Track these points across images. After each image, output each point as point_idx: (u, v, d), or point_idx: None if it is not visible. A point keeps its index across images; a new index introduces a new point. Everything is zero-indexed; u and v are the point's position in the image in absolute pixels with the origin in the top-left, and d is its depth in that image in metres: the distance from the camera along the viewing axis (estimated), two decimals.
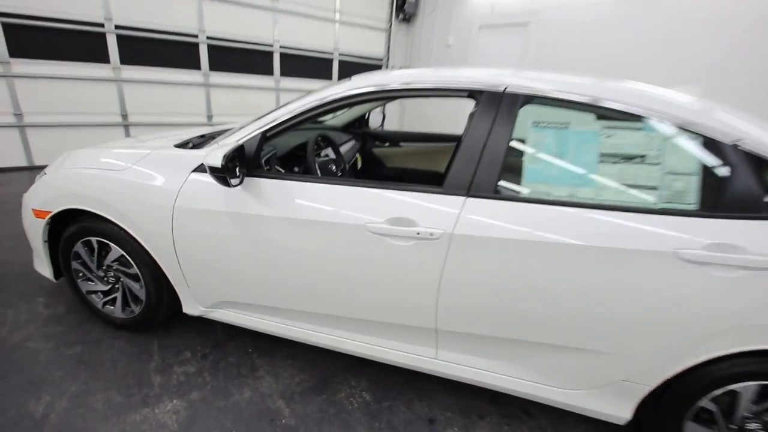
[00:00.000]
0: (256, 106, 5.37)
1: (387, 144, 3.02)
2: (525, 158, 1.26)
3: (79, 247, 1.78)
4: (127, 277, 1.77)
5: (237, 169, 1.35)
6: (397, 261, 1.32)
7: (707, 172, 1.15)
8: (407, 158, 2.98)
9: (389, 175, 2.97)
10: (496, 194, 1.25)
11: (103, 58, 4.40)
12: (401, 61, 6.96)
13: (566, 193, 1.22)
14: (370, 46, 6.56)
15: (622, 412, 1.29)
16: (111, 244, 1.71)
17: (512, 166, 1.26)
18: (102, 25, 4.29)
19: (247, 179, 1.44)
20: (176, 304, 1.75)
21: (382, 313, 1.43)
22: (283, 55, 5.63)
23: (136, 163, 1.59)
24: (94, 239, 1.73)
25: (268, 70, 5.60)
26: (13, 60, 3.92)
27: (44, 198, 1.77)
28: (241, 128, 1.56)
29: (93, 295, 1.89)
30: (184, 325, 1.94)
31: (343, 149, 2.49)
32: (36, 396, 1.50)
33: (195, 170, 1.51)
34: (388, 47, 6.74)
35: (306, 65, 5.90)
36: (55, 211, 1.72)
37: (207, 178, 1.44)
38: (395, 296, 1.38)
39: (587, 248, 1.15)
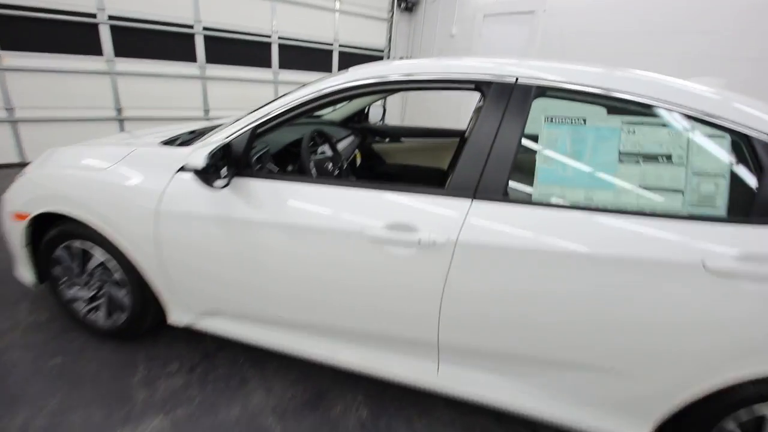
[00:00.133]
0: (255, 99, 5.23)
1: (387, 139, 2.89)
2: (537, 157, 1.14)
3: (60, 251, 1.67)
4: (110, 284, 1.67)
5: (223, 170, 1.24)
6: (397, 270, 1.20)
7: (739, 173, 1.03)
8: (408, 154, 2.85)
9: (389, 172, 2.85)
10: (506, 197, 1.12)
11: (96, 50, 4.27)
12: (403, 52, 6.79)
13: (583, 197, 1.10)
14: (371, 36, 6.38)
15: None
16: (93, 249, 1.60)
17: (523, 165, 1.14)
18: (95, 16, 4.14)
19: (235, 180, 1.32)
20: (163, 313, 1.65)
21: (379, 326, 1.32)
22: (281, 47, 5.48)
23: (117, 163, 1.48)
24: (75, 243, 1.63)
25: (266, 62, 5.45)
26: (3, 53, 3.80)
27: (23, 199, 1.66)
28: (230, 124, 1.44)
29: (76, 303, 1.79)
30: (172, 334, 1.84)
31: (341, 145, 2.36)
32: (11, 412, 1.40)
33: (181, 170, 1.39)
34: (390, 38, 6.55)
35: (305, 57, 5.74)
36: (34, 213, 1.62)
37: (193, 179, 1.32)
38: (394, 308, 1.26)
39: (606, 258, 1.04)
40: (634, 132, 1.08)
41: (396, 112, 7.01)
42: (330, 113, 2.81)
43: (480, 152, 1.15)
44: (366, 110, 2.91)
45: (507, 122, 1.15)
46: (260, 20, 5.20)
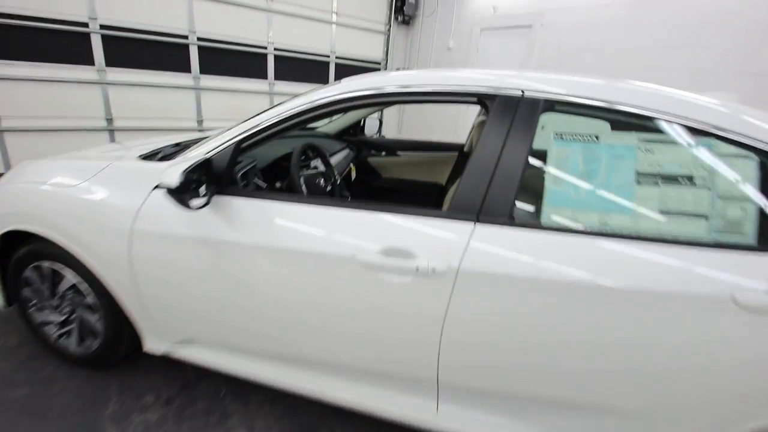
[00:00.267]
0: (249, 111, 5.08)
1: (384, 153, 2.80)
2: (546, 177, 1.04)
3: (29, 272, 1.55)
4: (82, 308, 1.54)
5: (203, 188, 1.13)
6: (392, 300, 1.09)
7: None
8: (405, 168, 2.76)
9: (386, 186, 2.75)
10: (512, 221, 1.02)
11: (87, 59, 4.18)
12: (400, 65, 6.76)
13: (597, 221, 1.00)
14: (368, 48, 6.35)
15: None
16: (64, 270, 1.48)
17: (531, 186, 1.04)
18: (86, 25, 4.07)
19: (217, 198, 1.21)
20: (139, 340, 1.52)
21: (373, 361, 1.20)
22: (277, 58, 5.42)
23: (90, 179, 1.37)
24: (45, 264, 1.51)
25: (261, 74, 5.39)
26: None
27: None
28: (214, 137, 1.34)
29: (46, 327, 1.66)
30: (150, 361, 1.70)
31: (335, 159, 2.27)
32: None
33: (157, 187, 1.29)
34: (387, 50, 6.53)
35: (301, 68, 5.69)
36: (0, 232, 1.50)
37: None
38: (389, 342, 1.15)
39: (623, 291, 0.93)
40: (653, 150, 0.99)
41: (393, 124, 6.96)
42: (324, 126, 2.72)
43: (483, 171, 1.05)
44: (362, 123, 2.83)
45: (512, 139, 1.05)
46: (256, 31, 5.15)
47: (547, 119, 1.05)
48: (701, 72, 3.25)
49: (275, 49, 5.36)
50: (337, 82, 1.33)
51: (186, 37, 4.66)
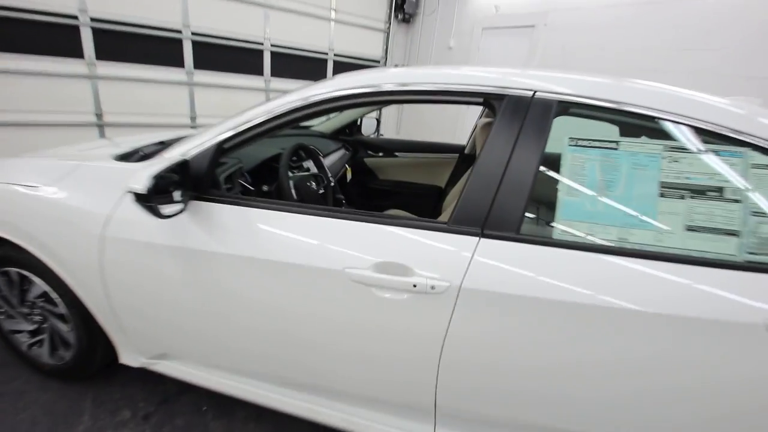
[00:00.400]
0: (244, 107, 5.02)
1: (381, 154, 2.69)
2: (560, 187, 0.94)
3: None
4: (54, 317, 1.43)
5: (177, 193, 1.02)
6: (386, 320, 0.99)
7: None
8: (403, 170, 2.65)
9: (383, 189, 2.65)
10: (520, 235, 0.92)
11: (76, 52, 4.05)
12: (399, 63, 6.66)
13: (616, 237, 0.90)
14: (367, 46, 6.24)
15: None
16: (32, 277, 1.37)
17: (542, 197, 0.95)
18: (76, 17, 3.94)
19: (195, 204, 1.11)
20: (114, 351, 1.42)
21: (364, 382, 1.10)
22: (274, 54, 5.30)
23: (59, 180, 1.26)
24: (12, 270, 1.40)
25: (257, 70, 5.26)
26: None
27: None
28: (195, 136, 1.23)
29: (17, 335, 1.54)
30: (128, 374, 1.59)
31: (329, 160, 2.16)
32: None
33: None
34: (386, 48, 6.42)
35: (298, 65, 5.57)
36: None
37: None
38: (382, 363, 1.05)
39: (644, 315, 0.84)
40: (678, 159, 0.89)
41: (391, 124, 6.85)
42: (319, 125, 2.61)
43: (489, 179, 0.95)
44: (358, 122, 2.72)
45: (522, 144, 0.95)
46: (252, 27, 5.03)
47: (560, 123, 0.95)
48: (712, 75, 3.17)
49: (272, 45, 5.24)
50: (330, 78, 1.23)
51: (180, 32, 4.53)
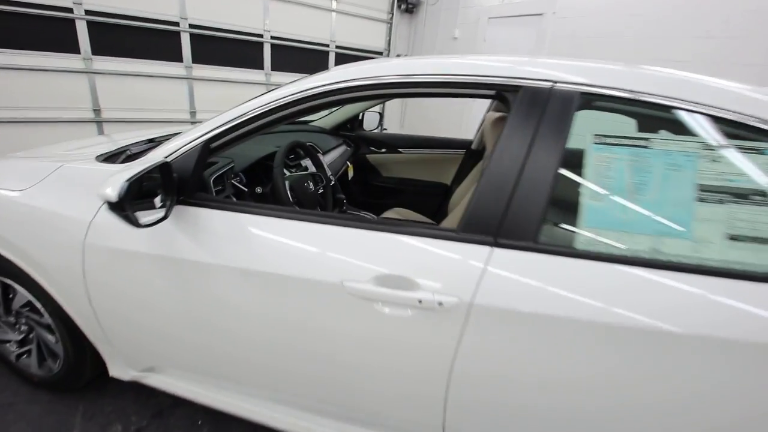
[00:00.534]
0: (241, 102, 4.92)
1: (384, 150, 2.59)
2: (583, 191, 0.84)
3: None
4: (40, 327, 1.36)
5: (158, 199, 0.93)
6: (388, 338, 0.90)
7: None
8: (407, 167, 2.55)
9: (386, 186, 2.55)
10: (538, 244, 0.82)
11: (72, 47, 3.96)
12: (402, 54, 6.51)
13: (648, 248, 0.80)
14: (369, 38, 6.10)
15: None
16: (15, 285, 1.30)
17: (563, 201, 0.85)
18: (70, 10, 3.84)
19: (181, 209, 1.02)
20: (104, 363, 1.34)
21: (364, 407, 1.02)
22: (274, 47, 5.18)
23: (37, 183, 1.17)
24: None
25: (258, 63, 5.15)
26: None
27: None
28: (182, 134, 1.14)
29: (5, 345, 1.48)
30: (120, 385, 1.51)
31: (330, 157, 2.07)
32: None
33: None
34: (389, 40, 6.27)
35: (299, 58, 5.45)
36: None
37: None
38: (384, 386, 0.96)
39: (682, 338, 0.74)
40: (718, 159, 0.78)
41: (395, 118, 6.72)
42: (319, 119, 2.51)
43: (503, 182, 0.85)
44: (360, 116, 2.61)
45: (540, 142, 0.85)
46: (251, 18, 4.91)
47: (584, 117, 0.84)
48: (728, 63, 3.02)
49: (272, 37, 5.12)
50: (326, 70, 1.13)
51: (177, 24, 4.42)
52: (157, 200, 0.91)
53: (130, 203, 0.84)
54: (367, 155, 2.57)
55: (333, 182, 1.78)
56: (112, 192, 0.81)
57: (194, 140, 1.04)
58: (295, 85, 1.05)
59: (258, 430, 1.38)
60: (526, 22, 4.54)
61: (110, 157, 1.32)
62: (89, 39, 3.99)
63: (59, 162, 1.21)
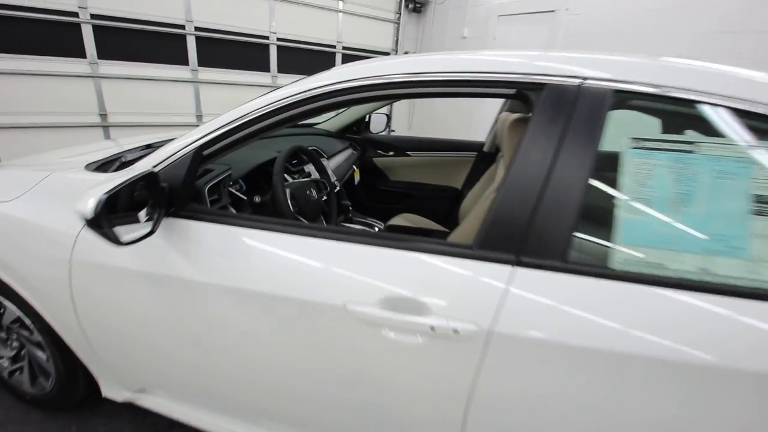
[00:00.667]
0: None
1: (392, 153, 2.49)
2: (618, 203, 0.74)
3: None
4: (31, 344, 1.30)
5: (143, 212, 0.85)
6: (397, 367, 0.81)
7: None
8: (416, 170, 2.45)
9: (394, 191, 2.45)
10: (568, 264, 0.72)
11: (78, 51, 3.94)
12: (411, 51, 6.42)
13: (695, 268, 0.69)
14: (376, 38, 6.02)
15: None
16: (4, 301, 1.23)
17: (596, 215, 0.74)
18: (76, 15, 3.82)
19: (171, 222, 0.94)
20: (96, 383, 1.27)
21: None
22: (280, 48, 5.13)
23: (23, 194, 1.10)
24: None
25: (264, 65, 5.10)
26: None
27: None
28: (171, 141, 1.06)
29: None
30: (115, 404, 1.43)
31: (335, 161, 1.98)
32: None
33: None
34: (396, 40, 6.19)
35: (306, 59, 5.39)
36: None
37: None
38: (389, 415, 0.87)
39: (739, 374, 0.63)
40: None
41: (403, 120, 6.63)
42: (324, 122, 2.43)
43: (526, 192, 0.75)
44: (367, 118, 2.53)
45: (568, 147, 0.75)
46: (257, 20, 4.87)
47: (618, 119, 0.74)
48: (755, 60, 2.87)
49: (278, 39, 5.07)
50: (326, 70, 1.04)
51: (183, 27, 4.39)
52: (142, 214, 0.83)
53: (107, 219, 0.76)
54: (374, 159, 2.48)
55: (338, 188, 1.69)
56: (87, 208, 0.73)
57: (185, 147, 0.96)
58: (295, 86, 0.97)
59: None
60: (538, 19, 4.42)
61: (103, 165, 1.25)
62: (95, 43, 3.97)
63: (47, 171, 1.14)
